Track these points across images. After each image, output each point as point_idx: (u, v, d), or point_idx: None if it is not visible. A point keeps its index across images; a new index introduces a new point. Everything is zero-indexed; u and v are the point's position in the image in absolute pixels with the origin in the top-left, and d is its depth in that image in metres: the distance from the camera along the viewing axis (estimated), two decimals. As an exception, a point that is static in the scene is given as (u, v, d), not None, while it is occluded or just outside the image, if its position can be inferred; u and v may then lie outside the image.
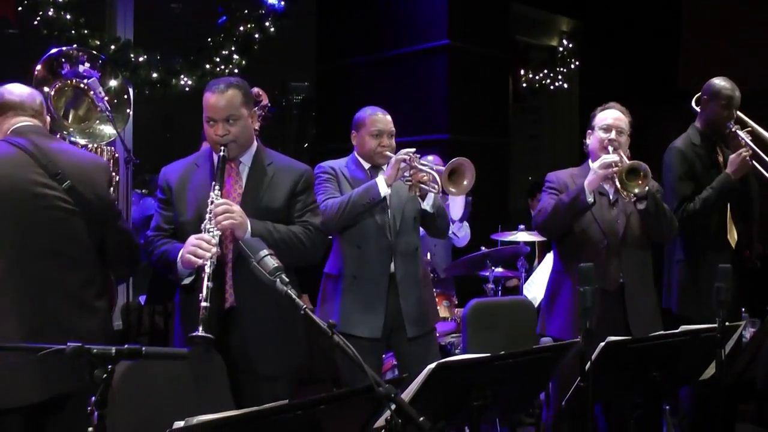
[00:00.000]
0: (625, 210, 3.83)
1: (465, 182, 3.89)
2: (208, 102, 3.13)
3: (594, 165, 3.73)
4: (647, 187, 3.66)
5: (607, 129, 3.85)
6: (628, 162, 3.66)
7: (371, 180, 3.89)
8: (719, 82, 4.45)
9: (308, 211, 3.27)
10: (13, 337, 2.73)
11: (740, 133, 4.32)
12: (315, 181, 3.58)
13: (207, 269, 2.89)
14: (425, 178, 3.87)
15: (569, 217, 3.75)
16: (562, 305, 3.83)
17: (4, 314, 2.77)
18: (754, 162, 4.26)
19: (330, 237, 3.92)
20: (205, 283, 2.86)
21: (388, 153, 4.00)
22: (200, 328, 2.75)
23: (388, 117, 4.07)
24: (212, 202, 3.00)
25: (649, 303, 3.88)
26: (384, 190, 3.82)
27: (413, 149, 3.89)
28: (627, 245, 3.79)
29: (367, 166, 4.04)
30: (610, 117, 3.88)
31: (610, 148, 3.78)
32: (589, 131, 3.96)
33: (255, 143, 3.31)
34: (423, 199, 3.96)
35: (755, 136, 4.37)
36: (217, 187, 3.04)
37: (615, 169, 3.66)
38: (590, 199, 3.66)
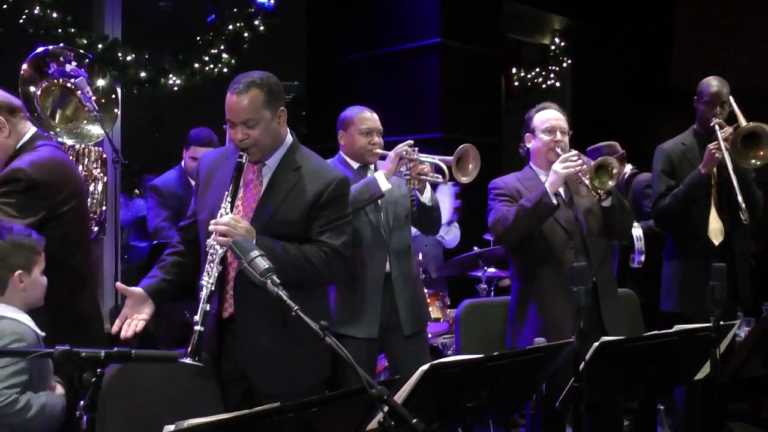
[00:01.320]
0: (581, 208, 3.77)
1: (470, 166, 3.91)
2: (227, 102, 2.92)
3: (555, 166, 3.62)
4: (616, 180, 3.61)
5: (551, 130, 3.77)
6: (594, 161, 3.61)
7: (366, 177, 3.89)
8: (705, 80, 4.54)
9: (329, 230, 2.98)
10: None
11: (718, 127, 4.34)
12: (348, 191, 3.22)
13: (204, 291, 2.79)
14: (426, 169, 3.87)
15: (534, 223, 3.63)
16: (533, 314, 3.71)
17: None
18: (725, 154, 4.24)
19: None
20: (201, 305, 2.76)
21: (378, 151, 4.01)
22: (188, 355, 2.67)
23: (375, 115, 4.08)
24: (221, 215, 2.85)
25: (617, 299, 3.85)
26: (384, 185, 3.77)
27: (411, 142, 3.90)
28: (591, 243, 3.72)
29: (355, 165, 4.04)
30: (552, 118, 3.81)
31: (558, 150, 3.73)
32: (528, 134, 3.87)
33: (287, 143, 3.07)
34: (422, 193, 3.96)
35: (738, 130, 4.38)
36: (228, 200, 2.87)
37: (581, 168, 3.59)
38: (555, 201, 3.58)
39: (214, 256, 2.83)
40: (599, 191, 3.65)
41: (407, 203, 4.03)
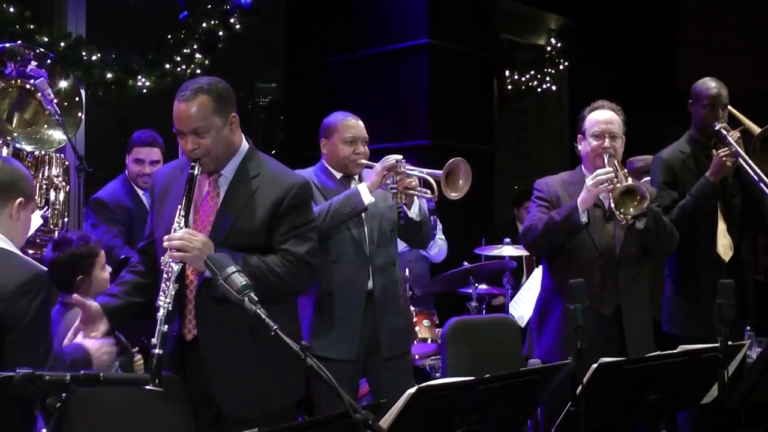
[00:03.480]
0: (622, 224, 3.79)
1: (461, 182, 3.91)
2: (175, 112, 2.96)
3: (588, 182, 3.69)
4: (644, 208, 3.64)
5: (599, 135, 3.83)
6: (624, 183, 3.65)
7: (348, 189, 3.89)
8: (702, 82, 4.49)
9: (292, 237, 3.02)
10: None
11: (724, 131, 4.33)
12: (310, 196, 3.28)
13: (161, 312, 2.80)
14: (413, 183, 3.88)
15: (561, 238, 3.76)
16: (552, 326, 3.83)
17: None
18: (740, 161, 4.25)
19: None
20: (159, 327, 2.77)
21: (363, 161, 4.00)
22: (148, 381, 2.64)
23: (361, 122, 4.07)
24: (174, 230, 2.88)
25: (647, 326, 3.91)
26: (367, 198, 3.79)
27: (400, 156, 3.90)
28: (624, 264, 3.78)
29: (338, 175, 4.04)
30: (602, 121, 3.86)
31: (606, 157, 3.78)
32: (580, 136, 3.95)
33: (243, 150, 3.11)
34: (409, 207, 3.97)
35: (746, 134, 4.40)
36: (181, 213, 2.91)
37: (608, 187, 3.65)
38: (584, 219, 3.65)
39: (170, 274, 2.85)
40: (624, 216, 3.65)
41: (393, 216, 4.04)
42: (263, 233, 3.01)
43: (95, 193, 4.83)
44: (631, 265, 3.81)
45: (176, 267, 2.85)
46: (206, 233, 2.96)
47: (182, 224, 2.90)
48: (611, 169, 3.72)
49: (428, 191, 3.89)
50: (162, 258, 2.89)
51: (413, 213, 3.98)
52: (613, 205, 3.63)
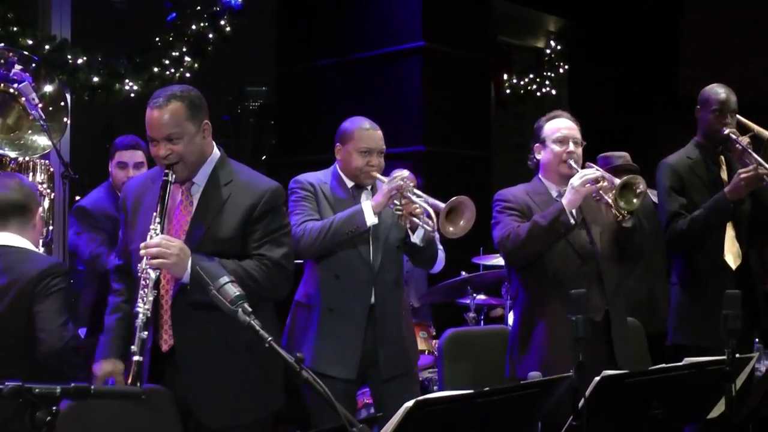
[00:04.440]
0: (594, 230, 3.83)
1: (462, 222, 3.82)
2: (147, 119, 3.06)
3: (574, 181, 3.69)
4: (643, 198, 3.68)
5: (563, 141, 3.83)
6: (619, 179, 3.67)
7: (356, 205, 3.84)
8: (710, 88, 4.53)
9: (267, 242, 3.13)
10: None
11: (734, 136, 4.36)
12: (289, 198, 3.39)
13: (140, 319, 2.87)
14: (417, 210, 3.82)
15: (548, 242, 3.70)
16: (538, 341, 3.76)
17: None
18: (766, 177, 4.25)
19: (301, 261, 3.92)
20: (138, 334, 2.84)
21: (375, 174, 3.93)
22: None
23: (379, 132, 3.99)
24: (150, 237, 2.95)
25: (629, 331, 3.91)
26: (371, 219, 3.76)
27: (407, 173, 3.86)
28: (604, 268, 3.79)
29: (350, 184, 3.98)
30: (563, 127, 3.87)
31: (571, 162, 3.79)
32: (538, 145, 3.93)
33: (214, 158, 3.21)
34: (413, 232, 3.92)
35: (756, 140, 4.43)
36: (156, 220, 2.98)
37: (601, 185, 3.67)
38: (572, 220, 3.65)
39: (147, 281, 2.91)
40: (623, 212, 3.67)
41: (401, 233, 3.98)
42: (237, 240, 3.11)
43: (79, 201, 4.83)
44: (611, 271, 3.82)
45: (153, 274, 2.92)
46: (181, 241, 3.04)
47: (158, 231, 2.96)
48: (596, 167, 3.75)
49: (430, 222, 3.81)
50: (139, 265, 2.94)
51: (416, 238, 3.93)
52: (612, 201, 3.64)
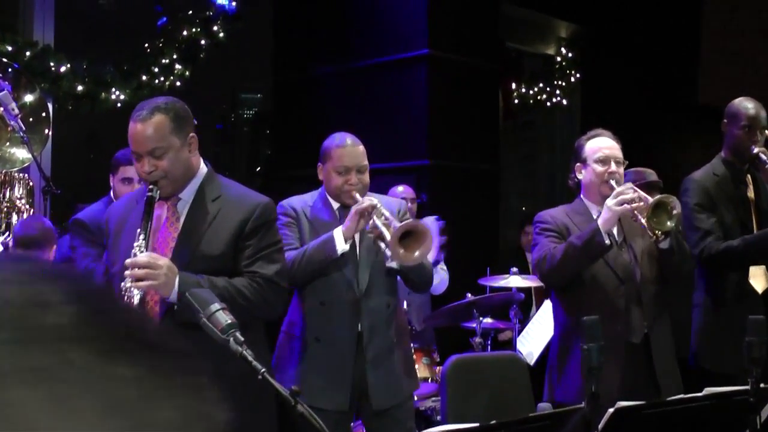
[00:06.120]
0: (636, 250, 3.92)
1: (416, 254, 3.67)
2: (130, 133, 3.07)
3: (609, 202, 3.76)
4: (679, 219, 3.73)
5: (605, 161, 3.93)
6: (652, 197, 3.73)
7: (329, 232, 3.80)
8: (738, 102, 4.53)
9: (260, 259, 3.14)
10: None
11: (764, 156, 4.36)
12: (275, 217, 3.39)
13: None
14: (385, 236, 3.69)
15: (584, 263, 3.80)
16: (576, 365, 3.80)
17: None
18: None
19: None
20: None
21: (355, 194, 3.88)
22: None
23: (360, 148, 3.97)
24: (134, 255, 2.94)
25: (673, 351, 3.99)
26: (341, 246, 3.72)
27: (376, 200, 3.80)
28: (645, 290, 3.87)
29: (335, 205, 3.97)
30: (605, 147, 3.97)
31: (613, 182, 3.87)
32: (579, 164, 4.03)
33: (201, 173, 3.23)
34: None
35: None
36: (141, 237, 2.98)
37: (637, 205, 3.72)
38: (608, 241, 3.72)
39: (132, 299, 2.89)
40: (656, 232, 3.73)
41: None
42: (228, 257, 3.12)
43: (75, 214, 4.87)
44: (652, 292, 3.91)
45: (137, 293, 2.91)
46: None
47: (143, 248, 2.96)
48: (631, 189, 3.79)
49: (383, 244, 3.72)
50: (122, 284, 2.92)
51: (390, 262, 3.84)
52: (645, 222, 3.71)
